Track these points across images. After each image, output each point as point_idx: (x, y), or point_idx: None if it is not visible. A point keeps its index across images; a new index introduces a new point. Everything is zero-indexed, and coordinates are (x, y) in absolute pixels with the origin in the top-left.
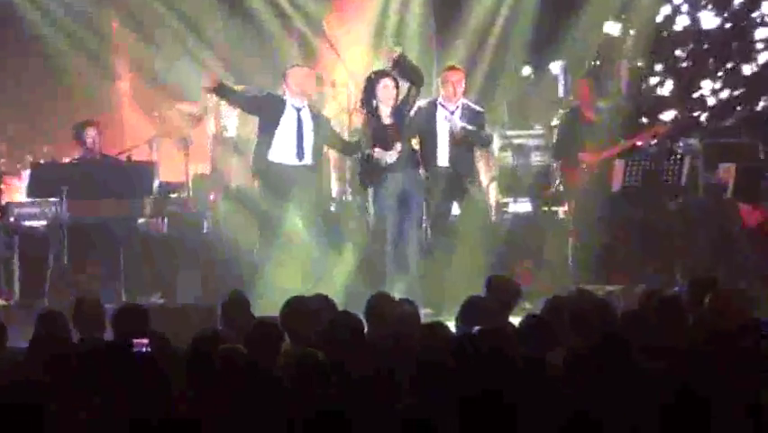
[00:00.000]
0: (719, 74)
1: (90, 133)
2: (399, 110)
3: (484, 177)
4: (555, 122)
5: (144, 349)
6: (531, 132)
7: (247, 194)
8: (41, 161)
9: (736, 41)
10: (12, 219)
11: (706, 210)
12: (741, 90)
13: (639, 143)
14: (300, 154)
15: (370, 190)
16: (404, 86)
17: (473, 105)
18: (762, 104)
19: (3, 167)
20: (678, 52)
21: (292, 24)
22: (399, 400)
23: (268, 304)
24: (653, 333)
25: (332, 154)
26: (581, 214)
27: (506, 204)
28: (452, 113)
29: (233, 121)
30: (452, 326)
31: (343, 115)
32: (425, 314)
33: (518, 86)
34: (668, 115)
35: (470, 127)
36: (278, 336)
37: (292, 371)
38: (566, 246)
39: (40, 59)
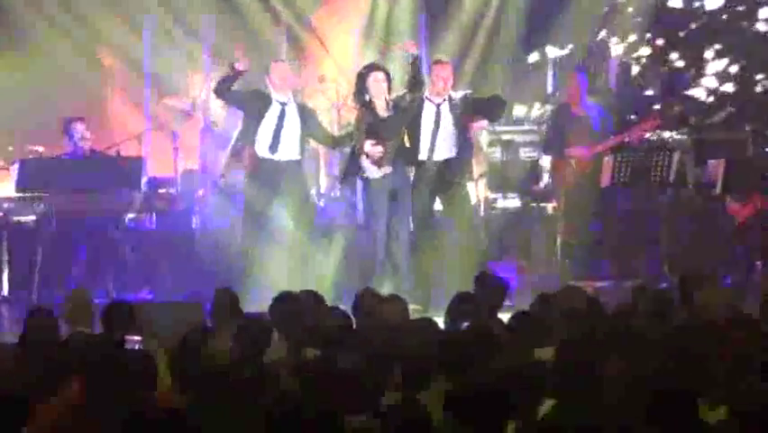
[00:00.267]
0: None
1: (78, 128)
2: (396, 105)
3: (474, 172)
4: (544, 117)
5: (136, 346)
6: (520, 127)
7: (234, 189)
8: (30, 156)
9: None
10: (0, 214)
11: (694, 206)
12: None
13: (628, 139)
14: (274, 147)
15: (359, 185)
16: (399, 88)
17: (457, 96)
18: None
19: None
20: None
21: (280, 18)
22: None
23: (256, 300)
24: (642, 329)
25: (321, 149)
26: (570, 210)
27: (494, 200)
28: (439, 105)
29: (221, 116)
30: (440, 322)
31: (332, 110)
32: (414, 310)
33: (508, 79)
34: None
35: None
36: (266, 331)
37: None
38: (555, 242)
39: (26, 52)
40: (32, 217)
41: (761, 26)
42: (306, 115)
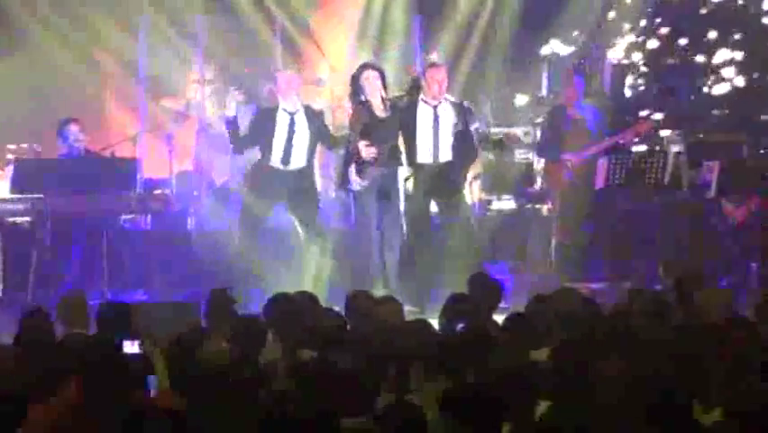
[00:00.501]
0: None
1: (72, 130)
2: (393, 105)
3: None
4: (539, 119)
5: (134, 346)
6: (515, 129)
7: (230, 191)
8: (25, 157)
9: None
10: None
11: (689, 208)
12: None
13: (622, 141)
14: (286, 160)
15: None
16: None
17: (458, 102)
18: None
19: None
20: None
21: (275, 19)
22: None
23: (251, 301)
24: (639, 331)
25: (318, 149)
26: (565, 211)
27: (489, 201)
28: (436, 108)
29: (216, 117)
30: (435, 323)
31: (327, 111)
32: (409, 311)
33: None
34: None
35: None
36: (261, 332)
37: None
38: (549, 244)
39: (24, 53)
40: (27, 218)
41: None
42: (313, 117)
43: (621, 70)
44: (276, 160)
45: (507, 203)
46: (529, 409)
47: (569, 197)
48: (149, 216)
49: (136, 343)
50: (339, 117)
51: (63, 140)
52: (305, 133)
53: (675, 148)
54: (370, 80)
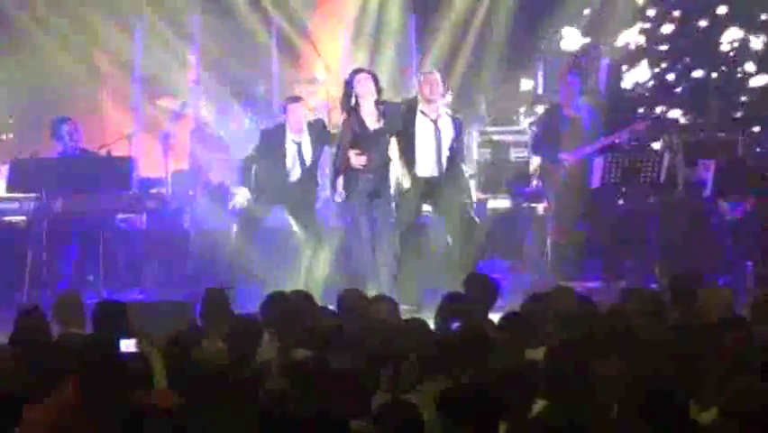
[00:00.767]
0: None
1: (66, 129)
2: (385, 112)
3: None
4: (534, 118)
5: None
6: (510, 128)
7: (227, 191)
8: (21, 156)
9: None
10: None
11: (685, 206)
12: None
13: (618, 141)
14: (292, 174)
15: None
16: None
17: (454, 117)
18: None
19: None
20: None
21: (272, 20)
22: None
23: (247, 300)
24: (634, 330)
25: None
26: (561, 210)
27: (485, 200)
28: (436, 122)
29: (213, 117)
30: (431, 322)
31: (323, 111)
32: (405, 310)
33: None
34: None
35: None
36: (257, 332)
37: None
38: (545, 243)
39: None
40: (23, 217)
41: None
42: (316, 134)
43: (617, 69)
44: (282, 175)
45: (502, 202)
46: (525, 409)
47: (565, 196)
48: (144, 216)
49: (132, 342)
50: (335, 117)
51: (58, 139)
52: (310, 153)
53: (670, 147)
54: (363, 82)
